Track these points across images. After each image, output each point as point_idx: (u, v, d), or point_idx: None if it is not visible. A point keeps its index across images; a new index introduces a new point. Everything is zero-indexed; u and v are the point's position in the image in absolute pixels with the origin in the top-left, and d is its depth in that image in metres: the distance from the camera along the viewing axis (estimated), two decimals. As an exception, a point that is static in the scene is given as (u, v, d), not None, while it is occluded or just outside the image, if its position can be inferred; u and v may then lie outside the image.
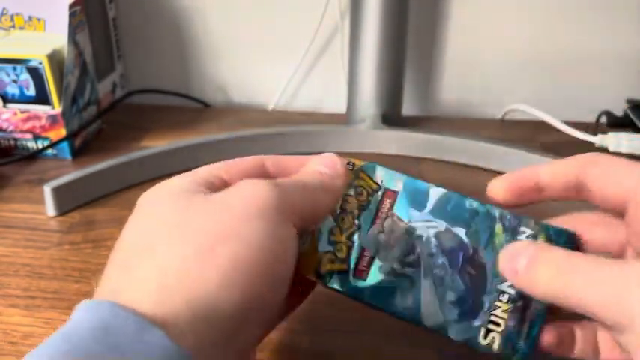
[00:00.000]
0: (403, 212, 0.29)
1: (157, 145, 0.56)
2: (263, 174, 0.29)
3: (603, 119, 0.61)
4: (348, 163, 0.30)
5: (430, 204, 0.29)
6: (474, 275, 0.28)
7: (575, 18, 0.65)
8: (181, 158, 0.54)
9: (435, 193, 0.29)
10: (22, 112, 0.55)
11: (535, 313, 0.27)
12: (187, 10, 0.69)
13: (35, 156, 0.57)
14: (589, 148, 0.56)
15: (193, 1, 0.68)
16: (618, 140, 0.54)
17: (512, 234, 0.28)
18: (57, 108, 0.55)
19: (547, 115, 0.61)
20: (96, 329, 0.20)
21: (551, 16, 0.66)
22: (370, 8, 0.57)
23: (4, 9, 0.59)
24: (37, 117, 0.55)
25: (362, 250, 0.29)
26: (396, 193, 0.29)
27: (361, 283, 0.28)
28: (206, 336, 0.22)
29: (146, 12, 0.69)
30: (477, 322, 0.27)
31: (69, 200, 0.48)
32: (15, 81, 0.54)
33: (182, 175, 0.28)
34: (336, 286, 0.28)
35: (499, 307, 0.27)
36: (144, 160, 0.53)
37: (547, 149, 0.56)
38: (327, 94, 0.72)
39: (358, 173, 0.30)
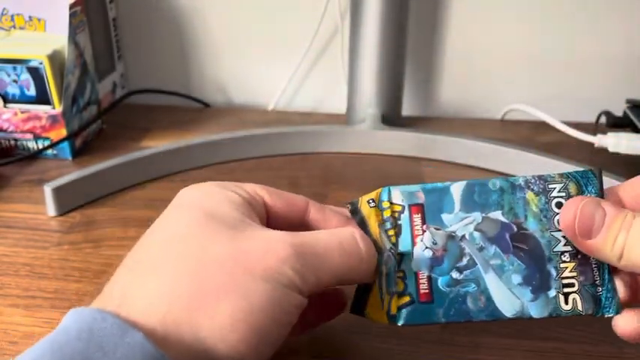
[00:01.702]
0: (436, 220, 0.28)
1: (157, 145, 0.56)
2: (302, 215, 0.29)
3: (603, 119, 0.61)
4: (369, 201, 0.29)
5: (457, 201, 0.29)
6: (529, 249, 0.28)
7: (575, 18, 0.66)
8: (181, 158, 0.54)
9: (457, 188, 0.29)
10: (23, 112, 0.55)
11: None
12: (187, 10, 0.69)
13: (35, 156, 0.57)
14: (589, 148, 0.56)
15: (193, 1, 0.68)
16: (618, 140, 0.54)
17: (545, 194, 0.28)
18: (57, 108, 0.55)
19: (547, 115, 0.61)
20: (82, 331, 0.21)
21: (551, 16, 0.66)
22: (370, 8, 0.57)
23: (4, 9, 0.59)
24: (37, 117, 0.55)
25: (416, 274, 0.28)
26: (420, 205, 0.29)
27: (431, 307, 0.28)
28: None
29: (146, 12, 0.69)
30: (552, 293, 0.27)
31: (69, 200, 0.49)
32: (15, 81, 0.54)
33: (228, 185, 0.27)
34: (407, 321, 0.28)
35: (565, 268, 0.27)
36: (144, 160, 0.53)
37: (547, 149, 0.56)
38: (327, 94, 0.72)
39: (381, 204, 0.29)
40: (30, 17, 0.59)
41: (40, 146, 0.57)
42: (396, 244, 0.28)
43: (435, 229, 0.28)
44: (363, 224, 0.29)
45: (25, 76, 0.54)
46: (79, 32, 0.57)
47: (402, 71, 0.62)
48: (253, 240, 0.25)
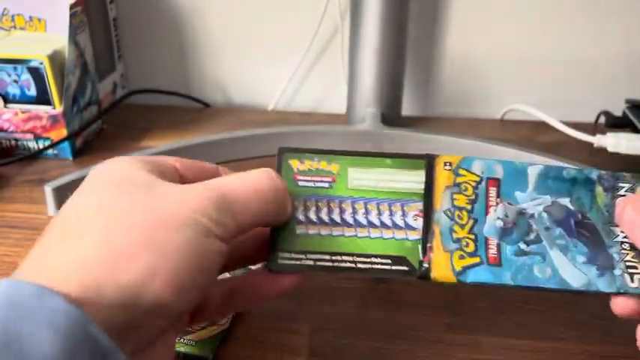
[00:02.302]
0: (510, 196, 0.30)
1: (157, 145, 0.56)
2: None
3: (602, 119, 0.61)
4: (445, 163, 0.31)
5: (531, 182, 0.31)
6: (590, 237, 0.30)
7: (575, 18, 0.66)
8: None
9: (534, 170, 0.31)
10: (23, 112, 0.55)
11: None
12: (187, 10, 0.69)
13: (36, 156, 0.57)
14: (588, 148, 0.56)
15: (193, 1, 0.69)
16: (617, 140, 0.54)
17: (612, 191, 0.30)
18: (58, 108, 0.55)
19: (546, 115, 0.61)
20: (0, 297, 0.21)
21: (551, 17, 0.66)
22: (370, 8, 0.57)
23: (4, 9, 0.59)
24: (37, 117, 0.55)
25: (486, 239, 0.30)
26: (498, 180, 0.31)
27: (500, 270, 0.29)
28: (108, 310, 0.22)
29: (146, 12, 0.69)
30: (617, 272, 0.29)
31: (70, 200, 0.49)
32: (16, 81, 0.54)
33: (138, 157, 0.28)
34: (476, 279, 0.29)
35: (626, 254, 0.29)
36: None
37: (546, 149, 0.56)
38: (327, 94, 0.72)
39: (457, 170, 0.31)
40: (30, 17, 0.59)
41: (41, 146, 0.57)
42: (471, 210, 0.30)
43: (508, 203, 0.30)
44: (429, 179, 0.31)
45: (26, 76, 0.54)
46: (79, 32, 0.57)
47: (402, 71, 0.62)
48: (167, 195, 0.25)
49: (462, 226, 0.30)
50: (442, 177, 0.31)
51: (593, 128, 0.60)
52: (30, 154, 0.56)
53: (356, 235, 0.30)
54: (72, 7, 0.55)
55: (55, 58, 0.54)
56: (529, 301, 0.39)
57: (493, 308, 0.38)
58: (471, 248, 0.29)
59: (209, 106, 0.72)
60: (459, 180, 0.31)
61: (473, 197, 0.30)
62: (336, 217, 0.30)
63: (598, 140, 0.55)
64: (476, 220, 0.30)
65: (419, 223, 0.30)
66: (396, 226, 0.30)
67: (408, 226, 0.30)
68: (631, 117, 0.57)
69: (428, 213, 0.30)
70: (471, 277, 0.29)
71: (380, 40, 0.59)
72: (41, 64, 0.53)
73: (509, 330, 0.36)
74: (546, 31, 0.67)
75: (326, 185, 0.31)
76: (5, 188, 0.52)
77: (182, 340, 0.34)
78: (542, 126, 0.62)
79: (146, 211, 0.24)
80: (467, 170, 0.31)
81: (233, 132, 0.57)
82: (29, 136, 0.56)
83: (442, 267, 0.29)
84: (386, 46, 0.59)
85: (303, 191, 0.31)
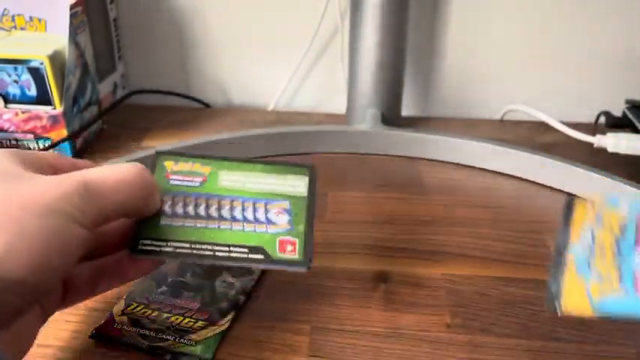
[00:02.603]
0: None
1: (157, 145, 0.56)
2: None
3: (602, 119, 0.61)
4: (587, 202, 0.31)
5: None
6: None
7: (575, 18, 0.66)
8: (182, 158, 0.55)
9: None
10: (23, 112, 0.55)
11: None
12: (187, 11, 0.69)
13: (36, 156, 0.57)
14: (588, 148, 0.56)
15: (193, 1, 0.69)
16: (617, 140, 0.54)
17: None
18: (58, 108, 0.55)
19: (546, 116, 0.61)
20: None
21: (551, 17, 0.66)
22: (370, 9, 0.57)
23: (5, 9, 0.59)
24: (38, 117, 0.55)
25: (634, 273, 0.29)
26: None
27: None
28: None
29: (147, 12, 0.69)
30: None
31: (70, 200, 0.49)
32: (16, 81, 0.54)
33: (13, 151, 0.29)
34: (615, 310, 0.29)
35: None
36: (144, 160, 0.53)
37: (546, 149, 0.57)
38: (327, 94, 0.72)
39: (600, 208, 0.31)
40: (31, 17, 0.59)
41: (41, 146, 0.57)
42: (616, 245, 0.30)
43: None
44: (567, 214, 0.31)
45: (26, 77, 0.54)
46: (79, 32, 0.57)
47: (402, 71, 0.62)
48: (32, 184, 0.26)
49: (603, 259, 0.30)
50: (582, 213, 0.31)
51: (593, 128, 0.60)
52: (30, 154, 0.56)
53: (218, 227, 0.32)
54: (72, 7, 0.55)
55: (55, 59, 0.54)
56: (529, 302, 0.39)
57: (493, 308, 0.38)
58: (614, 280, 0.29)
59: (209, 106, 0.72)
60: (602, 216, 0.31)
61: (618, 232, 0.30)
62: (201, 212, 0.32)
63: (598, 140, 0.55)
64: (621, 255, 0.30)
65: (281, 218, 0.33)
66: (257, 221, 0.33)
67: (269, 221, 0.33)
68: (631, 117, 0.57)
69: (562, 246, 0.30)
70: (611, 307, 0.29)
71: (380, 40, 0.59)
72: (41, 64, 0.53)
73: (509, 330, 0.36)
74: (546, 31, 0.67)
75: (196, 184, 0.34)
76: (5, 188, 0.52)
77: (182, 340, 0.34)
78: (542, 126, 0.62)
79: (9, 197, 0.25)
80: (612, 207, 0.31)
81: (233, 132, 0.57)
82: (30, 136, 0.56)
83: (576, 297, 0.29)
84: (386, 46, 0.59)
85: (173, 188, 0.33)
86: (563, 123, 0.60)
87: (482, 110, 0.71)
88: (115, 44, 0.67)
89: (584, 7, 0.65)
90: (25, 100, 0.55)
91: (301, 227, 0.33)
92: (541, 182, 0.54)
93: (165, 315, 0.36)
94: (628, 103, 0.60)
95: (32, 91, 0.55)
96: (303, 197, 0.34)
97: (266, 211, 0.33)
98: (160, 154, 0.35)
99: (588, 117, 0.63)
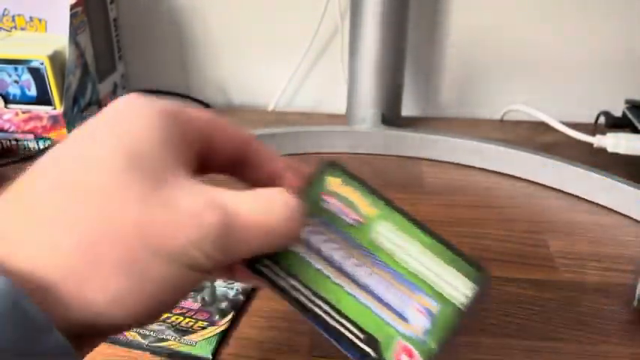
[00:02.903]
0: None
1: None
2: (245, 148, 0.27)
3: (602, 119, 0.61)
4: None
5: None
6: None
7: (575, 18, 0.66)
8: (182, 158, 0.55)
9: None
10: (24, 112, 0.55)
11: None
12: (187, 10, 0.69)
13: (37, 156, 0.56)
14: (588, 148, 0.56)
15: (193, 1, 0.69)
16: (617, 140, 0.54)
17: None
18: (58, 108, 0.55)
19: (546, 116, 0.61)
20: None
21: (551, 17, 0.66)
22: (370, 8, 0.57)
23: (5, 10, 0.59)
24: (38, 117, 0.55)
25: None
26: None
27: None
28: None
29: (147, 12, 0.69)
30: None
31: (70, 200, 0.49)
32: (16, 81, 0.54)
33: (165, 110, 0.23)
34: None
35: None
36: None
37: (546, 149, 0.56)
38: (327, 94, 0.72)
39: None
40: (31, 18, 0.59)
41: (41, 146, 0.57)
42: None
43: None
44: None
45: (26, 77, 0.54)
46: (79, 33, 0.57)
47: (402, 71, 0.62)
48: (168, 208, 0.22)
49: None
50: None
51: (593, 128, 0.60)
52: (31, 155, 0.56)
53: (344, 288, 0.26)
54: (72, 7, 0.55)
55: (55, 59, 0.54)
56: (529, 302, 0.39)
57: (493, 308, 0.38)
58: None
59: (209, 107, 0.72)
60: None
61: None
62: (337, 258, 0.26)
63: (598, 140, 0.55)
64: None
65: (418, 320, 0.26)
66: (391, 307, 0.26)
67: (402, 316, 0.26)
68: (631, 117, 0.57)
69: None
70: None
71: (380, 40, 0.59)
72: (42, 64, 0.53)
73: (509, 330, 0.36)
74: (546, 31, 0.67)
75: (349, 222, 0.27)
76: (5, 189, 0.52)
77: (182, 340, 0.34)
78: (542, 126, 0.62)
79: (139, 225, 0.21)
80: None
81: (233, 132, 0.57)
82: (30, 136, 0.56)
83: None
84: (386, 46, 0.59)
85: (323, 213, 0.27)
86: (563, 123, 0.60)
87: (482, 110, 0.71)
88: (115, 44, 0.67)
89: (584, 7, 0.65)
90: (25, 100, 0.55)
91: (434, 345, 0.25)
92: (541, 182, 0.54)
93: (166, 315, 0.36)
94: (628, 103, 0.60)
95: (32, 92, 0.55)
96: (458, 309, 0.25)
97: (406, 300, 0.26)
98: (330, 167, 0.28)
99: (588, 117, 0.63)
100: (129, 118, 0.23)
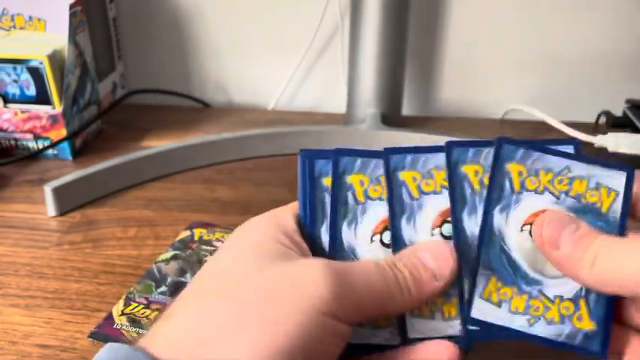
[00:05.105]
0: None
1: (157, 145, 0.56)
2: None
3: (603, 119, 0.61)
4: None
5: None
6: None
7: (575, 18, 0.66)
8: (181, 158, 0.55)
9: None
10: (23, 112, 0.55)
11: None
12: (187, 10, 0.69)
13: (36, 156, 0.57)
14: (588, 148, 0.56)
15: (193, 1, 0.68)
16: (617, 140, 0.54)
17: None
18: (57, 108, 0.55)
19: (546, 115, 0.61)
20: None
21: (551, 16, 0.66)
22: (370, 8, 0.57)
23: (4, 9, 0.59)
24: (37, 117, 0.55)
25: None
26: None
27: None
28: None
29: (146, 12, 0.69)
30: None
31: (69, 200, 0.49)
32: (15, 81, 0.54)
33: (281, 213, 0.28)
34: None
35: None
36: (144, 160, 0.53)
37: (546, 149, 0.56)
38: (327, 94, 0.72)
39: None
40: (30, 17, 0.59)
41: (41, 146, 0.57)
42: None
43: None
44: None
45: (26, 76, 0.54)
46: (79, 32, 0.57)
47: (402, 71, 0.62)
48: (293, 267, 0.24)
49: None
50: None
51: (593, 128, 0.60)
52: (30, 154, 0.56)
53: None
54: (72, 6, 0.55)
55: (54, 58, 0.54)
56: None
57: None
58: None
59: (209, 106, 0.72)
60: None
61: None
62: None
63: (598, 140, 0.55)
64: None
65: None
66: None
67: None
68: (631, 117, 0.57)
69: None
70: None
71: (380, 40, 0.58)
72: (41, 63, 0.53)
73: (509, 330, 0.36)
74: (546, 31, 0.67)
75: None
76: (5, 188, 0.52)
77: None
78: (543, 126, 0.62)
79: (269, 281, 0.24)
80: None
81: (233, 132, 0.57)
82: (29, 136, 0.56)
83: None
84: (386, 46, 0.59)
85: None
86: (564, 123, 0.59)
87: (482, 110, 0.71)
88: (114, 44, 0.67)
89: (584, 7, 0.65)
90: (24, 99, 0.55)
91: None
92: (541, 182, 0.53)
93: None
94: (628, 103, 0.60)
95: (31, 91, 0.55)
96: None
97: None
98: None
99: (588, 117, 0.63)
100: (253, 227, 0.28)
